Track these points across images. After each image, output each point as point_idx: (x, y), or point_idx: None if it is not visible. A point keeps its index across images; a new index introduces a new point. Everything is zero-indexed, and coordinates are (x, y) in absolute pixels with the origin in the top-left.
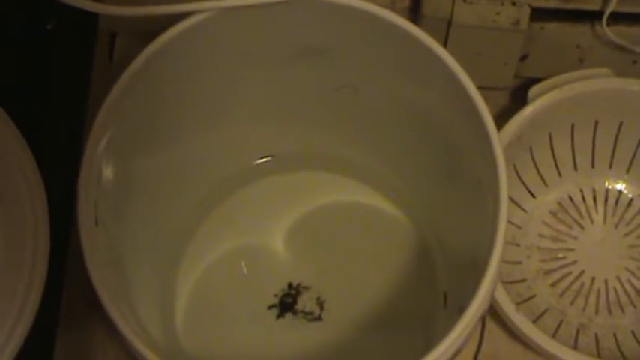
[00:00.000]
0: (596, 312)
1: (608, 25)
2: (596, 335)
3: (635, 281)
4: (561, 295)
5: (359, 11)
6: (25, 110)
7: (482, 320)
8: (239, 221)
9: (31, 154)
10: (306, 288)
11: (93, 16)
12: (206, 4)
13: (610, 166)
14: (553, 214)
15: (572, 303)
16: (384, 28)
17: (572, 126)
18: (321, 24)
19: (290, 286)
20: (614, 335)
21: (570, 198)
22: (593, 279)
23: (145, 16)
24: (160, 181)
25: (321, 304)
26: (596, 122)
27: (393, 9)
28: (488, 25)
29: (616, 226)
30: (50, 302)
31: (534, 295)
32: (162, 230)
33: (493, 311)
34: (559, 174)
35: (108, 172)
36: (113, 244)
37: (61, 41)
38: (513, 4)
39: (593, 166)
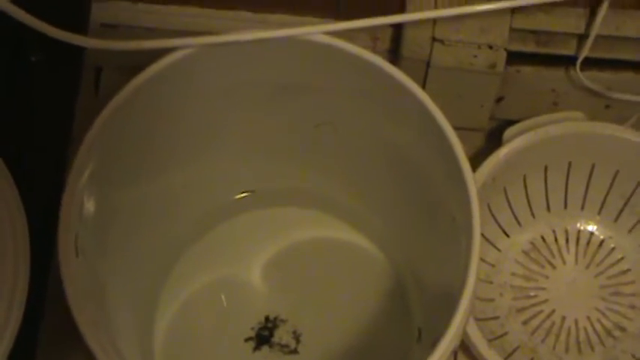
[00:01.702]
0: (567, 351)
1: (582, 69)
2: None
3: (605, 321)
4: (533, 333)
5: (340, 51)
6: (7, 141)
7: (455, 355)
8: (218, 255)
9: (14, 185)
10: (283, 321)
11: (79, 50)
12: (188, 41)
13: (582, 208)
14: (526, 253)
15: (543, 341)
16: (365, 69)
17: (546, 167)
18: (301, 62)
19: (267, 319)
20: None
21: (543, 238)
22: (564, 318)
23: (129, 50)
24: (142, 214)
25: (297, 338)
26: (570, 164)
27: (373, 50)
28: (465, 68)
29: (587, 267)
30: (28, 332)
31: (506, 333)
32: (143, 262)
33: (465, 347)
34: (532, 214)
35: (89, 205)
36: (94, 275)
37: (45, 74)
38: (490, 47)
39: (565, 207)
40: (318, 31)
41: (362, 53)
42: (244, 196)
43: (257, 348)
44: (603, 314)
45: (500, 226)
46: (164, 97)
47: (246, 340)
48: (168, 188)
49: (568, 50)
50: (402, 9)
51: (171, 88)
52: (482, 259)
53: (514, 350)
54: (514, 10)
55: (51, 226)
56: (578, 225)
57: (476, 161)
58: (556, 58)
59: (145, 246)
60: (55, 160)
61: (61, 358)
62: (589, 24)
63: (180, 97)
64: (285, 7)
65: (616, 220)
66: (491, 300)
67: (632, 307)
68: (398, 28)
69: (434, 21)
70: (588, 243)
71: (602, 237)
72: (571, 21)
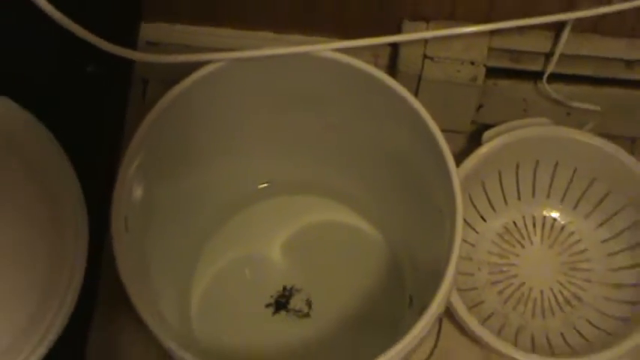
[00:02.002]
0: (533, 316)
1: (548, 83)
2: (532, 335)
3: (565, 292)
4: (505, 302)
5: (347, 66)
6: (70, 140)
7: (440, 320)
8: (243, 235)
9: (75, 176)
10: (298, 290)
11: (129, 63)
12: (218, 55)
13: (547, 197)
14: (500, 235)
15: (513, 308)
16: (367, 80)
17: (517, 164)
18: (313, 75)
19: (284, 288)
20: (547, 335)
21: (514, 223)
22: (531, 289)
23: (168, 63)
24: (179, 200)
25: (309, 304)
26: (537, 161)
27: (375, 65)
28: (451, 80)
29: (551, 247)
30: (87, 296)
31: (483, 301)
32: (181, 240)
33: (449, 313)
34: (506, 203)
35: (137, 192)
36: (140, 251)
37: (100, 83)
38: (472, 63)
39: (533, 196)
40: (328, 48)
41: (365, 67)
42: (265, 186)
43: (276, 312)
44: (563, 286)
45: (478, 213)
46: (198, 103)
47: (267, 306)
48: (201, 179)
49: (536, 66)
50: (398, 31)
51: (204, 95)
52: (463, 240)
53: (489, 316)
54: (492, 33)
55: (106, 209)
56: (544, 212)
57: (459, 158)
58: (527, 73)
59: (182, 227)
60: (109, 155)
61: (113, 319)
62: (554, 45)
63: (211, 103)
64: (300, 28)
65: (575, 207)
66: (471, 274)
67: (588, 280)
68: (395, 47)
69: (425, 41)
70: (552, 227)
71: (563, 222)
72: (539, 42)
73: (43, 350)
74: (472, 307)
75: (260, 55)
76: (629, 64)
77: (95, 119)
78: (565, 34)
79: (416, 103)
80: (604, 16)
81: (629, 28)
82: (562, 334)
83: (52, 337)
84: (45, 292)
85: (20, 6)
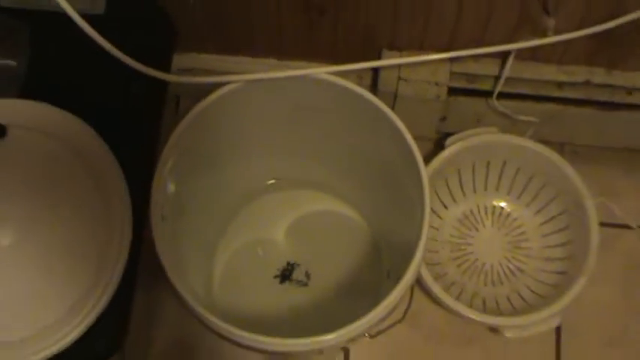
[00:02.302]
0: (485, 284)
1: (497, 99)
2: (484, 299)
3: (509, 265)
4: (463, 273)
5: (338, 86)
6: (119, 145)
7: (411, 289)
8: (255, 222)
9: (122, 173)
10: (299, 265)
11: (164, 84)
12: (235, 77)
13: (497, 190)
14: (459, 220)
15: (469, 279)
16: (354, 97)
17: (473, 164)
18: (311, 93)
19: (288, 263)
20: (496, 300)
21: (471, 211)
22: (483, 263)
23: (195, 83)
24: (204, 193)
25: (308, 276)
26: (488, 162)
27: (360, 85)
28: (420, 98)
29: (499, 230)
30: (131, 271)
31: (446, 273)
32: (206, 225)
33: (419, 283)
34: (464, 195)
35: (170, 186)
36: (173, 233)
37: (144, 101)
38: (436, 84)
39: (486, 189)
40: (323, 72)
41: (353, 87)
42: (272, 182)
43: (281, 282)
44: (509, 261)
45: (442, 203)
46: (219, 116)
47: (274, 277)
48: (221, 176)
49: (488, 87)
50: (378, 58)
51: (223, 110)
52: (430, 225)
53: (450, 285)
54: (452, 60)
55: (145, 202)
56: (494, 202)
57: (427, 159)
58: (480, 91)
59: (206, 216)
60: (148, 157)
61: (151, 288)
62: (501, 70)
63: (229, 116)
64: (300, 56)
65: (518, 198)
66: (436, 252)
67: (527, 256)
68: (376, 70)
69: (399, 67)
70: (500, 214)
71: (509, 210)
72: (490, 67)
73: (99, 309)
74: (437, 278)
75: (268, 77)
76: (559, 85)
77: (137, 128)
78: (510, 61)
79: (393, 116)
80: (539, 47)
81: (559, 57)
82: (508, 298)
83: (106, 299)
84: (99, 266)
85: (85, 44)
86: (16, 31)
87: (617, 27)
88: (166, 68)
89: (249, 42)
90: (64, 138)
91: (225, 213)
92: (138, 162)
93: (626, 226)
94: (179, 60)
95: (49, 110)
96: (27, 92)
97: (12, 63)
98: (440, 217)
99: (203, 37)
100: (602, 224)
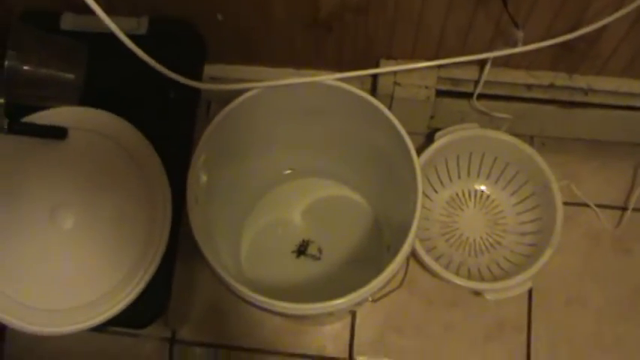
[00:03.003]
0: (469, 255)
1: (477, 99)
2: (468, 268)
3: (489, 239)
4: (450, 247)
5: (344, 90)
6: (160, 142)
7: (407, 260)
8: (275, 206)
9: (162, 166)
10: (312, 242)
11: (197, 91)
12: (255, 84)
13: (478, 176)
14: (447, 202)
15: (456, 250)
16: (357, 100)
17: (458, 155)
18: (320, 96)
19: (303, 240)
20: (478, 268)
21: (456, 194)
22: (467, 238)
23: (223, 90)
24: (231, 182)
25: (320, 251)
26: (471, 153)
27: (362, 89)
28: (412, 99)
29: (480, 210)
30: (172, 246)
31: (435, 247)
32: (233, 209)
33: (414, 255)
34: (450, 180)
35: (203, 176)
36: (205, 217)
37: (178, 104)
38: (426, 87)
39: (469, 175)
40: (330, 78)
41: (356, 91)
42: (289, 172)
43: (298, 256)
44: (489, 235)
45: (432, 187)
46: (242, 117)
47: (292, 252)
48: (245, 168)
49: (469, 89)
50: (377, 66)
51: (246, 112)
52: (422, 206)
53: (440, 256)
54: (439, 67)
55: (182, 189)
56: (475, 186)
57: (419, 151)
58: (463, 93)
59: (234, 200)
60: (184, 152)
61: (189, 261)
62: (480, 74)
63: (251, 117)
64: (311, 65)
65: (496, 183)
66: (428, 229)
67: (504, 231)
68: (375, 77)
69: (395, 73)
70: (481, 196)
71: (488, 193)
72: (470, 72)
73: (147, 279)
74: (428, 251)
75: (284, 83)
76: (528, 87)
77: (175, 128)
78: (487, 68)
79: (390, 115)
80: (512, 55)
81: (527, 64)
82: (488, 267)
83: (152, 270)
84: (146, 243)
85: (131, 59)
86: (75, 50)
87: (575, 39)
88: (198, 77)
89: (268, 54)
90: (114, 138)
91: (250, 198)
92: (176, 156)
93: (586, 205)
94: (210, 69)
95: (102, 115)
96: (85, 101)
97: (71, 76)
98: (431, 200)
99: (229, 50)
100: (566, 203)
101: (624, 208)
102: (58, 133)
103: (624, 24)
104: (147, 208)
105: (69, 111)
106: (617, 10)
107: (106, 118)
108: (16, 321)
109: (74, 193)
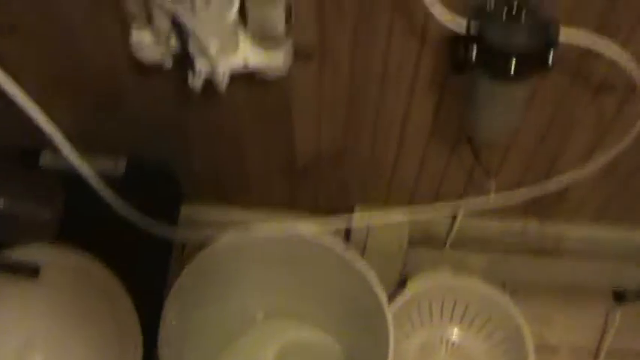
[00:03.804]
0: None
1: (450, 248)
2: None
3: None
4: None
5: (316, 243)
6: (133, 285)
7: None
8: (248, 349)
9: (135, 310)
10: None
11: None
12: (228, 234)
13: (451, 320)
14: (419, 348)
15: None
16: (330, 252)
17: (430, 302)
18: (296, 245)
19: None
20: None
21: (428, 340)
22: None
23: (197, 239)
24: (203, 325)
25: None
26: (443, 300)
27: (336, 233)
28: (385, 247)
29: (451, 357)
30: None
31: None
32: (205, 353)
33: None
34: (422, 324)
35: (173, 321)
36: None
37: (154, 245)
38: (398, 237)
39: (441, 318)
40: (303, 230)
41: (329, 244)
42: (262, 315)
43: None
44: None
45: (404, 333)
46: (215, 262)
47: None
48: (219, 311)
49: (441, 238)
50: (352, 210)
51: (219, 257)
52: (395, 352)
53: None
54: (411, 217)
55: (154, 332)
56: (448, 331)
57: (391, 297)
58: (435, 242)
59: (205, 344)
60: (158, 295)
61: None
62: (452, 224)
63: (224, 261)
64: (287, 208)
65: (469, 327)
66: None
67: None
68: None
69: (368, 228)
70: (453, 344)
71: (460, 339)
72: (442, 224)
73: None
74: None
75: (256, 235)
76: (501, 234)
77: (149, 269)
78: (459, 218)
79: (363, 268)
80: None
81: (499, 213)
82: None
83: None
84: None
85: (108, 208)
86: (51, 188)
87: (544, 191)
88: (174, 219)
89: (243, 196)
90: (87, 277)
91: (222, 341)
92: (149, 296)
93: (557, 350)
94: (185, 209)
95: (74, 253)
96: (58, 238)
97: (46, 214)
98: (402, 345)
99: (205, 192)
100: (537, 349)
101: (596, 354)
102: (29, 271)
103: (592, 175)
104: (117, 352)
105: (43, 247)
106: (585, 163)
107: (77, 256)
108: None
109: (43, 332)
